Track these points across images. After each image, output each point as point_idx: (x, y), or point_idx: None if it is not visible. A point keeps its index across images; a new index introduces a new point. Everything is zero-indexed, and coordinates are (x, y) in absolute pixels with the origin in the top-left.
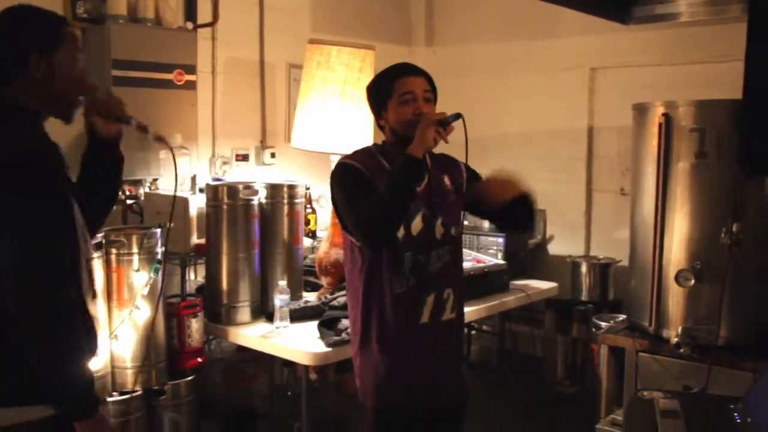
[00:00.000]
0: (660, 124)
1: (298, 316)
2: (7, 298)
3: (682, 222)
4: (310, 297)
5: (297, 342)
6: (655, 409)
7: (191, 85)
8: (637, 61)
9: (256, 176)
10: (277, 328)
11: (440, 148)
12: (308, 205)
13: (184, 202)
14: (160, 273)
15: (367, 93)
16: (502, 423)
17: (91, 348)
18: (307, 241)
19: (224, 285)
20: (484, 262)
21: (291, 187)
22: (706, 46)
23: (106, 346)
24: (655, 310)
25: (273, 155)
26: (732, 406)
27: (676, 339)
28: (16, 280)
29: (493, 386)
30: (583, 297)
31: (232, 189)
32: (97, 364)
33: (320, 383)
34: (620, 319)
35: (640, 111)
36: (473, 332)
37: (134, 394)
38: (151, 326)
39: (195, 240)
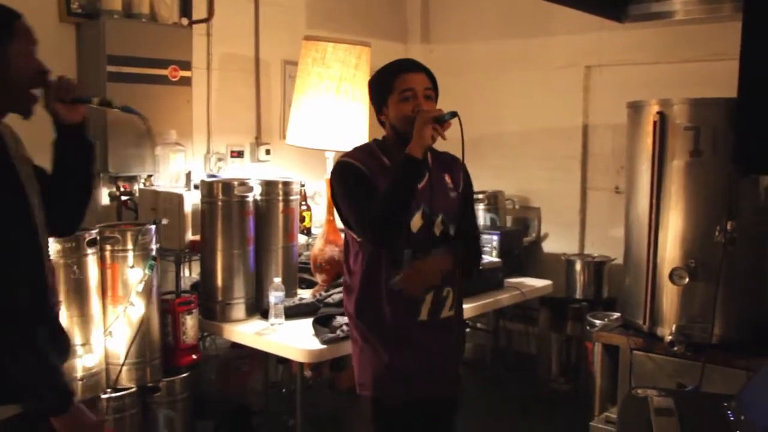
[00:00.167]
0: (655, 123)
1: (292, 313)
2: None
3: (677, 220)
4: (305, 294)
5: (292, 339)
6: (649, 406)
7: (186, 82)
8: (633, 60)
9: (251, 173)
10: (272, 325)
11: (438, 145)
12: (303, 202)
13: (179, 198)
14: (154, 269)
15: (368, 88)
16: (496, 420)
17: (57, 347)
18: (302, 238)
19: (219, 282)
20: None
21: (286, 184)
22: (701, 44)
23: (100, 343)
24: (649, 308)
25: (268, 152)
26: (726, 404)
27: (670, 337)
28: None
29: (488, 384)
30: (578, 295)
31: (227, 185)
32: (91, 360)
33: (315, 380)
34: (614, 317)
35: (635, 109)
36: (468, 330)
37: (129, 391)
38: (146, 323)
39: (190, 236)
